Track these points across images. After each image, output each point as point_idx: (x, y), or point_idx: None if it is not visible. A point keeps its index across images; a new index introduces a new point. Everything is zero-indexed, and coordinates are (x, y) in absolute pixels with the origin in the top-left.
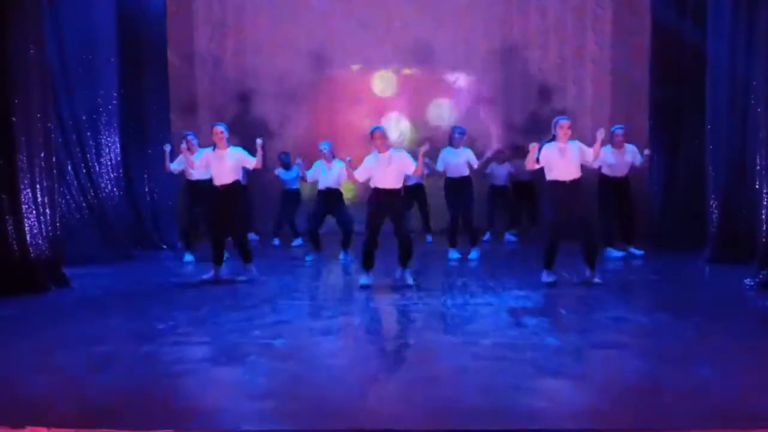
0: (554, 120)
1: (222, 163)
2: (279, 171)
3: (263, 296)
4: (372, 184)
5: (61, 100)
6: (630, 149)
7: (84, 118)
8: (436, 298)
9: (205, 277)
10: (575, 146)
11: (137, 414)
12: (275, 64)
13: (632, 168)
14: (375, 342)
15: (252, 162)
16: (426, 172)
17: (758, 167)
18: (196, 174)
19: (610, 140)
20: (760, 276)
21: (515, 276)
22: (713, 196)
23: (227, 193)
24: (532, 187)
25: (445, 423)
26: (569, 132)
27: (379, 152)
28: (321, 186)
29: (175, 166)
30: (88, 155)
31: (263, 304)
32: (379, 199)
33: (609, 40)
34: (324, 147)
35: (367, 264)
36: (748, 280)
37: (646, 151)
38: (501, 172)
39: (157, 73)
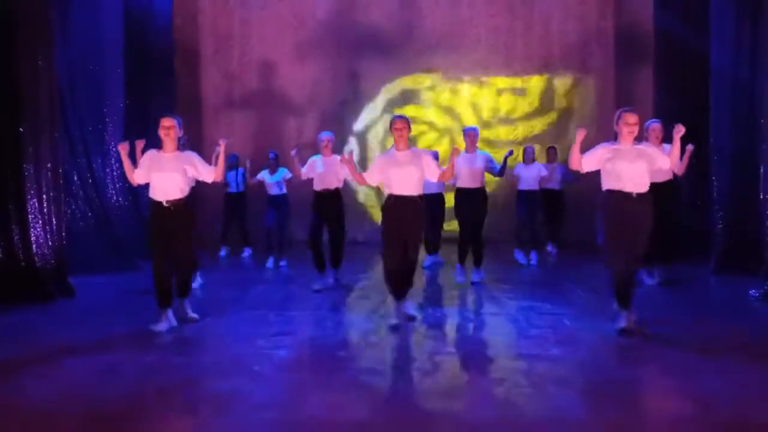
0: (618, 112)
1: (164, 171)
2: (263, 174)
3: (266, 307)
4: (386, 190)
5: (68, 110)
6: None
7: (90, 128)
8: (441, 310)
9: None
10: (644, 150)
11: (141, 423)
12: (281, 74)
13: None
14: (379, 355)
15: (210, 172)
16: (452, 182)
17: (762, 178)
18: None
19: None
20: (766, 287)
21: (521, 287)
22: (718, 207)
23: (169, 215)
24: (561, 197)
25: None
26: (635, 130)
27: (397, 148)
28: (317, 187)
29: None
30: (94, 165)
31: (266, 315)
32: (392, 209)
33: (613, 51)
34: (324, 136)
35: (397, 293)
36: (753, 291)
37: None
38: (530, 173)
39: (163, 84)
